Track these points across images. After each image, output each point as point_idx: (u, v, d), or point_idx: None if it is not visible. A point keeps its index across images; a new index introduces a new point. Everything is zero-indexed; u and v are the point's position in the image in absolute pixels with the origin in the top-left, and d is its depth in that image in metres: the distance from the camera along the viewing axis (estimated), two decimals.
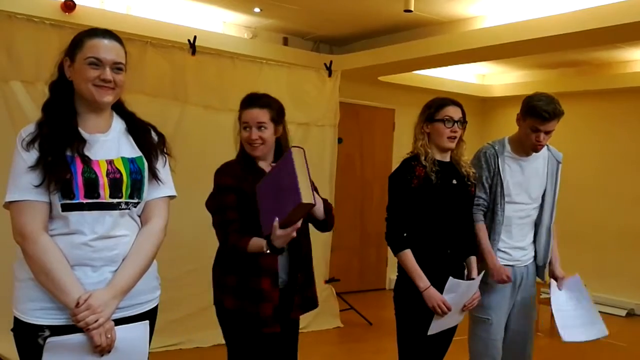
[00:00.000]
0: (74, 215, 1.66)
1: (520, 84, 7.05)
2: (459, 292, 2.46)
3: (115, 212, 1.72)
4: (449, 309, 2.45)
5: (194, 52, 4.45)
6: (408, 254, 2.47)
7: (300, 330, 5.04)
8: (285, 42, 6.09)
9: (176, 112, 4.38)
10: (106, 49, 1.72)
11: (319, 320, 5.10)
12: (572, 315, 2.82)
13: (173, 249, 4.31)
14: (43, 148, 1.65)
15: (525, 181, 2.83)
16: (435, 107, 2.57)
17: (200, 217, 4.37)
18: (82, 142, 1.70)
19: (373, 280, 6.85)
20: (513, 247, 2.85)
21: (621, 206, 6.52)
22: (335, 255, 5.46)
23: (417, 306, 2.48)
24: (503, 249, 2.83)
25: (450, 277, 2.42)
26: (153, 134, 1.89)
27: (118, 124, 1.83)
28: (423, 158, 2.53)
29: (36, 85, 3.72)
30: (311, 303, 2.47)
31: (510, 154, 2.83)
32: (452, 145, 2.55)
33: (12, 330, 1.71)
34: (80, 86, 1.72)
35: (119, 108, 1.87)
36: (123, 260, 1.74)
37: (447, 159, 2.59)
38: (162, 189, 1.87)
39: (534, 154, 2.84)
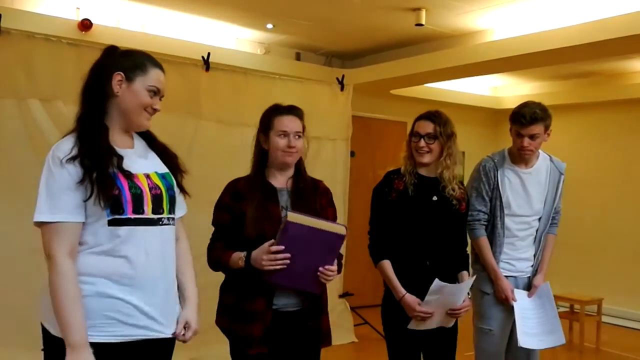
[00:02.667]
0: (121, 230, 1.65)
1: (533, 95, 7.04)
2: (443, 294, 2.41)
3: (158, 228, 1.73)
4: (429, 314, 2.42)
5: (207, 68, 4.50)
6: (385, 265, 2.51)
7: None
8: (298, 57, 6.15)
9: (190, 127, 4.43)
10: (164, 83, 1.81)
11: (333, 335, 5.02)
12: (534, 324, 2.80)
13: None
14: (85, 164, 1.62)
15: (526, 193, 2.82)
16: (414, 120, 2.59)
17: (210, 231, 4.42)
18: (120, 157, 1.70)
19: None
20: (516, 259, 2.85)
21: (637, 218, 6.44)
22: (348, 269, 5.42)
23: (403, 320, 2.48)
24: (506, 260, 2.83)
25: (436, 279, 2.38)
26: (170, 151, 1.92)
27: (139, 140, 1.86)
28: (403, 170, 2.55)
29: (53, 103, 3.78)
30: (318, 336, 2.33)
31: (510, 165, 2.84)
32: (423, 159, 2.50)
33: (42, 349, 1.67)
34: (132, 108, 1.74)
35: None
36: (178, 275, 1.84)
37: (433, 175, 2.54)
38: (181, 208, 1.91)
39: (535, 165, 2.85)
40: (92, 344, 1.61)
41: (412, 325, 2.46)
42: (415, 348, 2.52)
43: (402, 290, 2.46)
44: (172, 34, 5.17)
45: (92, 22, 4.59)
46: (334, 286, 5.20)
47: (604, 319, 5.59)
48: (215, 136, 4.53)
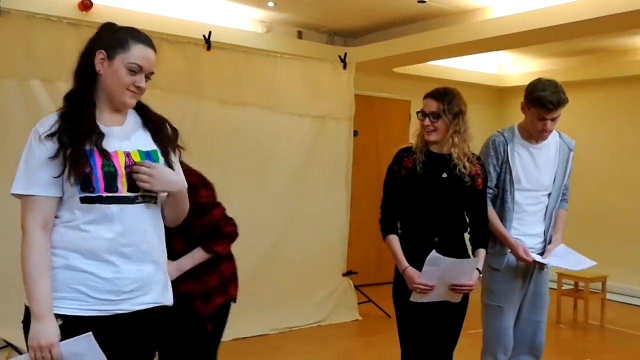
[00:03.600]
0: (93, 208, 1.67)
1: (537, 72, 6.95)
2: (440, 267, 2.41)
3: (134, 206, 1.72)
4: (429, 286, 2.41)
5: (209, 48, 4.47)
6: (391, 239, 2.55)
7: (318, 323, 5.11)
8: (300, 35, 6.10)
9: (192, 107, 4.41)
10: (149, 60, 1.75)
11: (338, 313, 5.11)
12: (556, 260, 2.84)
13: None
14: (62, 140, 1.65)
15: (536, 168, 2.81)
16: (423, 98, 2.58)
17: None
18: (101, 135, 1.70)
19: (391, 273, 6.80)
20: (525, 235, 2.84)
21: None
22: (352, 248, 5.47)
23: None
24: (515, 236, 2.82)
25: (433, 251, 2.39)
26: (168, 127, 1.89)
27: (133, 117, 1.84)
28: (414, 148, 2.56)
29: (55, 84, 3.76)
30: None
31: (520, 140, 2.83)
32: (429, 138, 2.51)
33: (23, 321, 1.71)
34: (113, 86, 1.73)
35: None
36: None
37: (444, 151, 2.53)
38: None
39: (545, 141, 2.83)
40: (63, 317, 1.64)
41: (414, 297, 2.48)
42: (423, 324, 2.53)
43: (405, 263, 2.49)
44: (173, 13, 5.13)
45: (92, 1, 4.55)
46: (337, 265, 5.23)
47: (609, 296, 5.60)
48: (217, 116, 4.52)
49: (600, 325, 5.32)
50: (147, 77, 1.77)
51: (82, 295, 1.66)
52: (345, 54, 5.23)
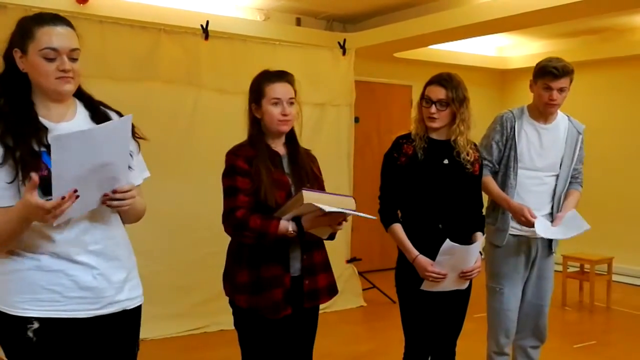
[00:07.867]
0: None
1: (540, 54, 6.88)
2: (454, 256, 2.40)
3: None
4: (442, 275, 2.40)
5: (207, 37, 4.44)
6: (396, 228, 2.51)
7: (323, 311, 5.06)
8: (298, 22, 6.05)
9: (191, 97, 4.40)
10: (61, 36, 1.62)
11: (342, 300, 5.11)
12: (556, 228, 2.78)
13: (194, 232, 4.36)
14: (6, 142, 1.57)
15: (541, 148, 2.81)
16: (425, 84, 2.52)
17: (219, 200, 4.40)
18: (46, 131, 1.62)
19: (394, 258, 6.82)
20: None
21: None
22: (355, 235, 5.47)
23: (416, 283, 2.47)
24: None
25: (447, 240, 2.37)
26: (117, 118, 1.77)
27: (82, 111, 1.75)
28: (413, 134, 2.51)
29: None
30: (327, 290, 2.35)
31: (528, 119, 2.83)
32: (433, 125, 2.46)
33: None
34: (39, 79, 1.63)
35: (79, 93, 1.76)
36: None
37: (444, 138, 2.50)
38: (135, 176, 1.79)
39: (553, 122, 2.83)
40: (39, 319, 1.60)
41: (425, 287, 2.46)
42: (428, 310, 2.53)
43: (415, 252, 2.46)
44: (170, 3, 5.09)
45: None
46: (341, 252, 5.23)
47: (615, 277, 5.60)
48: (217, 105, 4.50)
49: (606, 307, 5.32)
50: (73, 59, 1.64)
51: (57, 295, 1.62)
52: (345, 39, 5.19)
